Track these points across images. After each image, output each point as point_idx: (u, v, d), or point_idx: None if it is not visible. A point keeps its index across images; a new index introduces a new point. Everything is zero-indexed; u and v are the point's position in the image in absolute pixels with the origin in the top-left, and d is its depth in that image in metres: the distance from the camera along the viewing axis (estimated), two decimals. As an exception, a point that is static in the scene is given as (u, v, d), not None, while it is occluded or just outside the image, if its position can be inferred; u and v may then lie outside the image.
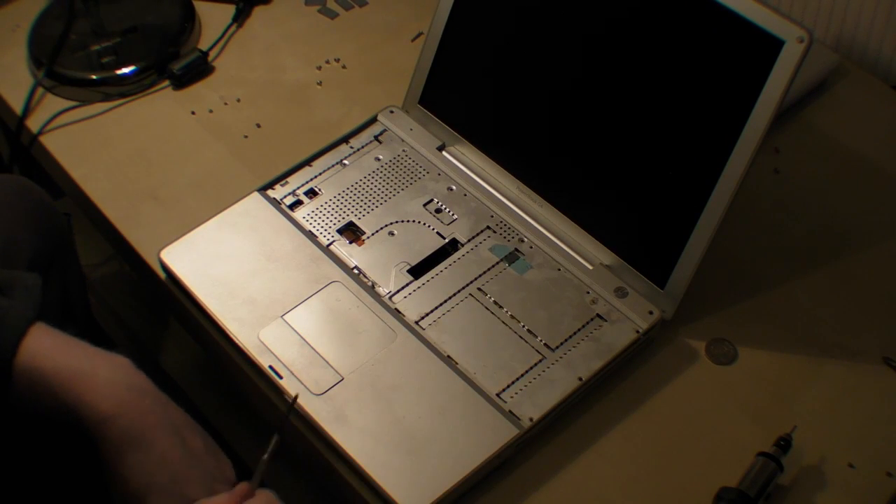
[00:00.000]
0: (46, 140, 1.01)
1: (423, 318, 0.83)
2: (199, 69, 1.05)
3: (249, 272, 0.85)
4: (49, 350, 0.68)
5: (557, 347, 0.81)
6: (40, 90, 1.04)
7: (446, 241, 0.88)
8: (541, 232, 0.88)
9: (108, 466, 0.66)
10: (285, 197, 0.91)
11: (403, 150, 0.95)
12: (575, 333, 0.82)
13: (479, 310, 0.83)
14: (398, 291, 0.84)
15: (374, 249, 0.87)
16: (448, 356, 0.80)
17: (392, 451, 0.75)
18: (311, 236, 0.88)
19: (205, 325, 0.84)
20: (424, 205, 0.90)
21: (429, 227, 0.89)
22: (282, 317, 0.83)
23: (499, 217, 0.89)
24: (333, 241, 0.88)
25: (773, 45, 0.74)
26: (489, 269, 0.86)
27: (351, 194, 0.91)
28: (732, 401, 0.80)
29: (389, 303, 0.84)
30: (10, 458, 0.82)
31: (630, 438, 0.78)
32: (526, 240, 0.88)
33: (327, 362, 0.80)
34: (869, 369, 0.82)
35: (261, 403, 0.82)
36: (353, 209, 0.90)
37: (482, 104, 0.93)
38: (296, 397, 0.75)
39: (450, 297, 0.84)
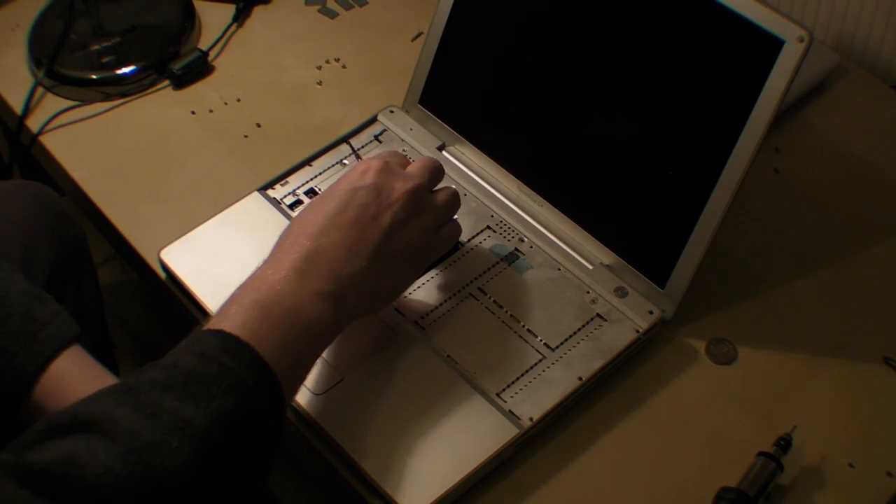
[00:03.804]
0: (46, 140, 1.01)
1: (423, 318, 0.83)
2: (199, 69, 1.05)
3: (250, 272, 0.85)
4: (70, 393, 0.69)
5: (557, 347, 0.81)
6: (40, 90, 1.04)
7: (446, 240, 0.88)
8: (541, 232, 0.88)
9: None
10: (285, 196, 0.91)
11: (403, 150, 0.95)
12: (575, 333, 0.82)
13: (479, 310, 0.83)
14: (398, 291, 0.84)
15: (374, 249, 0.87)
16: (448, 356, 0.80)
17: (392, 451, 0.75)
18: (311, 236, 0.88)
19: (205, 325, 0.84)
20: (424, 205, 0.90)
21: (429, 226, 0.89)
22: (282, 317, 0.82)
23: (499, 217, 0.89)
24: (333, 240, 0.88)
25: (773, 45, 0.74)
26: (489, 269, 0.86)
27: (351, 194, 0.91)
28: (732, 401, 0.80)
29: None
30: None
31: (630, 438, 0.78)
32: (526, 239, 0.88)
33: (327, 362, 0.80)
34: (869, 369, 0.82)
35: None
36: (353, 209, 0.90)
37: (482, 104, 0.93)
38: None
39: (450, 297, 0.84)
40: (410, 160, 0.80)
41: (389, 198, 0.74)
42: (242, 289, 0.69)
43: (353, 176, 0.75)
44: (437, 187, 0.80)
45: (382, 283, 0.74)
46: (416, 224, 0.75)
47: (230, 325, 0.64)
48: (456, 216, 0.81)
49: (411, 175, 0.76)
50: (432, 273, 0.86)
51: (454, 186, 0.91)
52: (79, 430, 0.57)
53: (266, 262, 0.71)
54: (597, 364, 0.80)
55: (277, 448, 0.65)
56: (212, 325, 0.65)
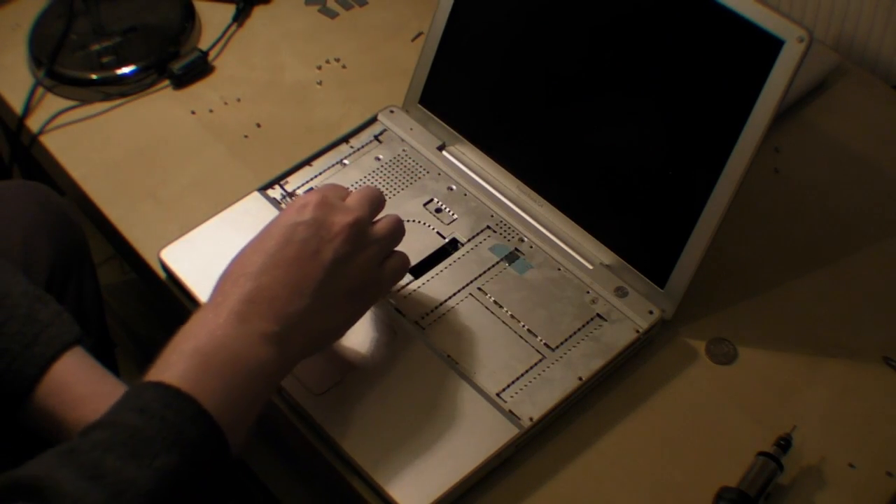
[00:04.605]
0: (46, 140, 1.00)
1: (423, 317, 0.83)
2: (199, 69, 1.05)
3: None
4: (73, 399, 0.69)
5: (557, 347, 0.81)
6: (40, 90, 1.04)
7: (446, 240, 0.88)
8: (541, 231, 0.88)
9: None
10: (285, 197, 0.91)
11: (403, 150, 0.95)
12: (575, 333, 0.82)
13: (479, 310, 0.83)
14: (398, 291, 0.84)
15: (374, 249, 0.87)
16: (448, 356, 0.80)
17: (392, 451, 0.75)
18: (311, 236, 0.88)
19: (205, 325, 0.84)
20: (424, 204, 0.90)
21: (429, 226, 0.89)
22: (282, 317, 0.82)
23: (499, 217, 0.89)
24: (333, 240, 0.88)
25: (773, 45, 0.74)
26: (489, 269, 0.86)
27: (351, 194, 0.91)
28: (732, 401, 0.80)
29: (389, 302, 0.84)
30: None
31: (630, 438, 0.78)
32: (526, 239, 0.88)
33: (327, 362, 0.79)
34: (869, 369, 0.82)
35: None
36: (353, 209, 0.90)
37: (482, 104, 0.93)
38: None
39: (450, 297, 0.84)
40: (351, 190, 0.77)
41: (330, 232, 0.71)
42: (183, 335, 0.66)
43: (291, 212, 0.72)
44: (379, 216, 0.77)
45: (328, 320, 0.72)
46: (360, 258, 0.73)
47: (171, 376, 0.62)
48: (400, 247, 0.79)
49: (351, 207, 0.74)
50: (432, 273, 0.86)
51: (454, 186, 0.91)
52: (20, 497, 0.55)
53: (206, 306, 0.69)
54: (597, 364, 0.80)
55: (227, 497, 0.63)
56: (153, 375, 0.63)
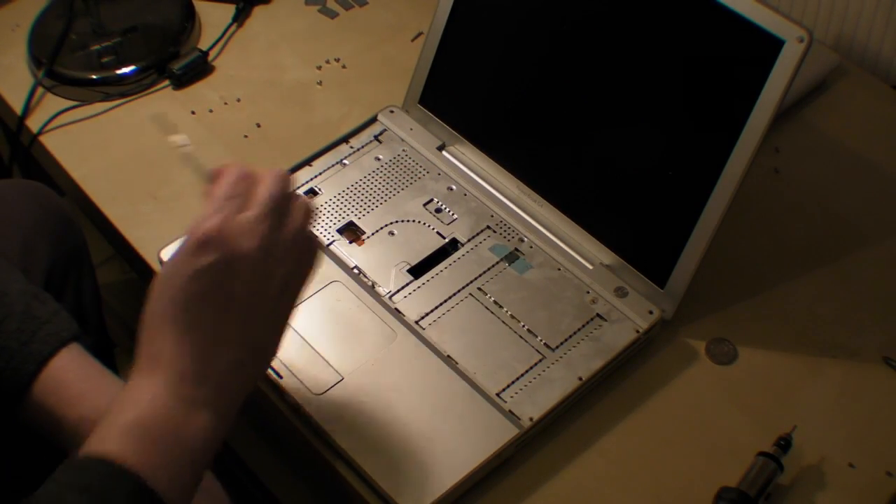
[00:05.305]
0: (46, 140, 1.01)
1: (423, 317, 0.83)
2: (199, 69, 1.05)
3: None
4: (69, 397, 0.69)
5: (557, 347, 0.81)
6: (40, 90, 1.04)
7: (446, 240, 0.88)
8: (541, 232, 0.88)
9: None
10: (285, 197, 0.91)
11: (403, 150, 0.95)
12: (575, 333, 0.82)
13: (479, 309, 0.83)
14: (398, 291, 0.84)
15: (374, 249, 0.87)
16: (448, 356, 0.80)
17: (392, 451, 0.75)
18: (311, 236, 0.88)
19: (205, 325, 0.84)
20: (424, 204, 0.90)
21: (429, 226, 0.89)
22: (282, 317, 0.82)
23: (499, 217, 0.89)
24: (333, 240, 0.88)
25: (773, 45, 0.74)
26: (489, 269, 0.86)
27: (351, 194, 0.91)
28: (732, 401, 0.80)
29: (389, 302, 0.84)
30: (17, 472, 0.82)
31: (630, 438, 0.78)
32: (526, 239, 0.88)
33: (327, 362, 0.80)
34: (869, 369, 0.82)
35: (262, 403, 0.82)
36: (353, 209, 0.90)
37: (482, 104, 0.93)
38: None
39: (450, 297, 0.84)
40: (254, 174, 0.68)
41: (238, 268, 0.63)
42: (121, 403, 0.61)
43: (188, 255, 0.64)
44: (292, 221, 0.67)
45: (259, 354, 0.66)
46: (278, 275, 0.65)
47: (113, 450, 0.58)
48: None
49: (252, 226, 0.66)
50: (432, 273, 0.86)
51: (454, 186, 0.91)
52: None
53: (141, 368, 0.63)
54: (597, 364, 0.80)
55: None
56: (94, 446, 0.59)
